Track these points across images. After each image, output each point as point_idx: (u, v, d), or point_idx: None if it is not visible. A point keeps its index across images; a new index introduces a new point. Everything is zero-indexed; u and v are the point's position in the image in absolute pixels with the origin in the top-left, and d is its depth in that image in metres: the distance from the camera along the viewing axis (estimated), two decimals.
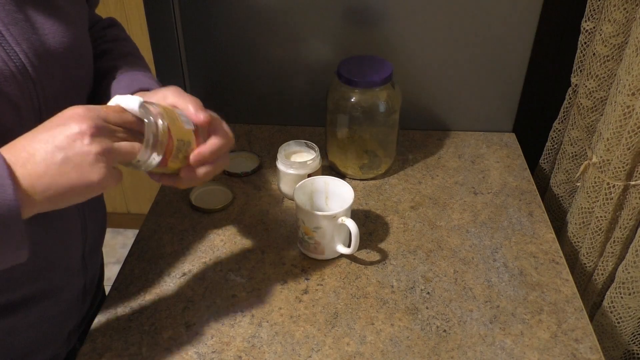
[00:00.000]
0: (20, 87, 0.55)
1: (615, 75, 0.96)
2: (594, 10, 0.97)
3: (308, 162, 0.93)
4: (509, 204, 0.97)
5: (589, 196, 0.99)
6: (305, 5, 1.01)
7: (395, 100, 0.96)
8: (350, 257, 0.87)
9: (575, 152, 1.09)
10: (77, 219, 0.70)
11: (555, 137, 1.16)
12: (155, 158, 0.56)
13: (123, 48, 0.79)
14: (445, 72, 1.08)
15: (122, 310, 0.79)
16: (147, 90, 0.68)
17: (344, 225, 0.82)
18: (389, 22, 1.02)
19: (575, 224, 1.05)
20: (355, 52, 1.03)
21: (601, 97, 1.00)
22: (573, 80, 1.07)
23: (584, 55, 1.03)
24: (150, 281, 0.83)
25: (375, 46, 1.05)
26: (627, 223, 0.92)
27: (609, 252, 0.96)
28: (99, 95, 0.71)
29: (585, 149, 1.06)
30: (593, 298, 1.03)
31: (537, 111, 1.25)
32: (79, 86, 0.66)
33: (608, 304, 0.96)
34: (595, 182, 0.97)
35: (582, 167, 1.02)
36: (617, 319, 0.95)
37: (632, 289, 0.91)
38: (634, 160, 0.89)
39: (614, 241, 0.95)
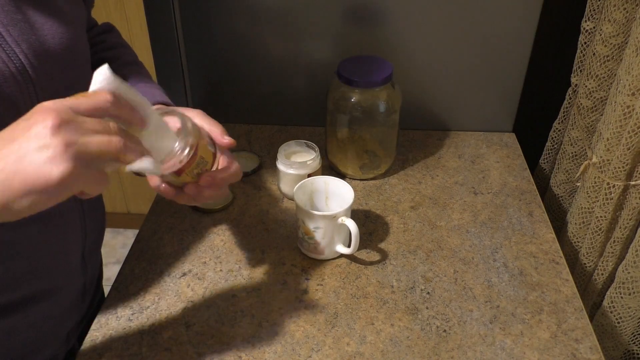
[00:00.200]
0: (20, 87, 0.56)
1: (615, 75, 0.96)
2: (594, 10, 0.97)
3: (308, 162, 0.93)
4: (509, 204, 0.97)
5: (589, 196, 0.99)
6: (305, 5, 1.01)
7: (395, 100, 0.96)
8: (350, 257, 0.87)
9: (575, 152, 1.09)
10: (77, 219, 0.70)
11: (555, 137, 1.16)
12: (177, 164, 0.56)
13: (126, 57, 0.80)
14: (445, 72, 1.08)
15: (122, 310, 0.79)
16: (165, 104, 0.71)
17: (344, 225, 0.82)
18: (389, 22, 1.02)
19: (575, 224, 1.05)
20: (355, 52, 1.03)
21: (601, 97, 1.00)
22: (573, 80, 1.07)
23: (584, 55, 1.03)
24: (150, 281, 0.83)
25: (375, 46, 1.05)
26: (627, 223, 0.92)
27: (609, 252, 0.96)
28: None
29: (585, 149, 1.06)
30: (593, 298, 1.03)
31: (537, 111, 1.25)
32: (78, 86, 0.67)
33: (608, 304, 0.96)
34: (595, 182, 0.97)
35: (582, 167, 1.02)
36: (617, 319, 0.95)
37: (632, 289, 0.91)
38: (634, 160, 0.89)
39: (614, 241, 0.95)
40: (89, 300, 0.82)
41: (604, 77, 0.98)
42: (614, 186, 0.93)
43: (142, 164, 0.50)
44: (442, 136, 1.14)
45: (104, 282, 0.91)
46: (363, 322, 0.77)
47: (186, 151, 0.56)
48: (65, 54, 0.61)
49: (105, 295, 0.82)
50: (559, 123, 1.14)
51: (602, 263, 0.98)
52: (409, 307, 0.79)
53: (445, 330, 0.76)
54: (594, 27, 0.99)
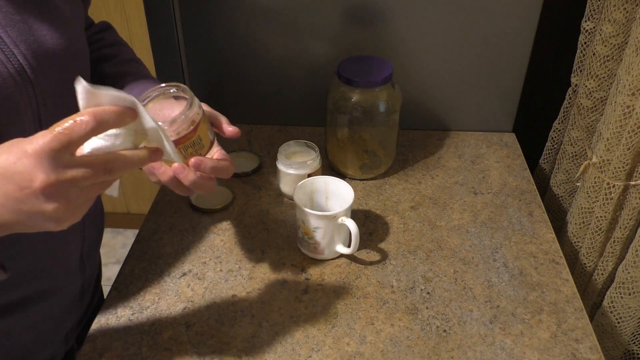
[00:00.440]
0: (18, 88, 0.56)
1: (615, 75, 0.96)
2: (594, 10, 0.97)
3: (308, 162, 0.93)
4: (509, 204, 0.97)
5: (589, 196, 0.99)
6: (305, 5, 1.01)
7: (395, 100, 0.96)
8: (350, 257, 0.87)
9: (575, 152, 1.09)
10: None
11: (555, 137, 1.16)
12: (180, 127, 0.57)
13: (125, 54, 0.80)
14: (445, 72, 1.08)
15: (122, 310, 0.79)
16: None
17: (344, 225, 0.82)
18: (389, 22, 1.02)
19: (575, 224, 1.05)
20: (355, 52, 1.03)
21: (601, 97, 1.00)
22: (573, 80, 1.07)
23: (584, 55, 1.03)
24: (150, 281, 0.83)
25: (375, 46, 1.05)
26: (627, 223, 0.92)
27: (609, 252, 0.96)
28: None
29: (585, 149, 1.06)
30: (593, 298, 1.03)
31: (537, 111, 1.25)
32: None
33: (608, 304, 0.96)
34: (595, 182, 0.97)
35: (582, 167, 1.02)
36: (617, 319, 0.95)
37: (632, 289, 0.91)
38: (634, 160, 0.89)
39: (614, 241, 0.95)
40: (87, 301, 0.82)
41: (604, 77, 0.98)
42: (614, 186, 0.93)
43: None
44: (442, 136, 1.14)
45: (104, 282, 0.91)
46: (363, 322, 0.77)
47: (185, 124, 0.56)
48: (64, 55, 0.61)
49: (105, 296, 0.82)
50: (559, 123, 1.14)
51: (602, 263, 0.98)
52: (409, 307, 0.79)
53: (445, 330, 0.76)
54: (594, 27, 0.99)
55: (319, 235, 0.83)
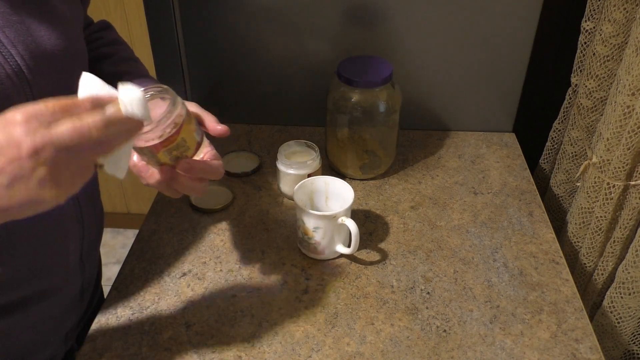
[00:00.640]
0: (16, 88, 0.55)
1: (615, 75, 0.96)
2: (594, 10, 0.97)
3: (308, 162, 0.93)
4: (509, 204, 0.97)
5: (589, 196, 0.99)
6: (305, 5, 1.01)
7: (395, 100, 0.96)
8: (350, 257, 0.87)
9: (575, 152, 1.09)
10: (75, 219, 0.70)
11: (555, 137, 1.16)
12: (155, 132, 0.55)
13: (123, 53, 0.80)
14: (445, 72, 1.08)
15: (122, 310, 0.79)
16: None
17: (344, 225, 0.82)
18: (389, 22, 1.02)
19: (575, 224, 1.05)
20: (355, 52, 1.03)
21: (601, 97, 1.00)
22: (573, 80, 1.07)
23: (584, 55, 1.03)
24: (150, 281, 0.83)
25: (375, 46, 1.05)
26: (627, 223, 0.92)
27: (609, 252, 0.96)
28: None
29: (585, 149, 1.06)
30: (593, 298, 1.03)
31: (537, 111, 1.25)
32: (75, 87, 0.67)
33: (608, 304, 0.96)
34: (595, 182, 0.97)
35: (582, 167, 1.02)
36: (617, 319, 0.95)
37: (632, 289, 0.91)
38: (634, 160, 0.89)
39: (614, 241, 0.95)
40: (87, 301, 0.82)
41: (604, 77, 0.98)
42: (614, 186, 0.93)
43: None
44: (442, 136, 1.14)
45: (104, 282, 0.91)
46: (363, 322, 0.77)
47: (167, 126, 0.55)
48: (62, 55, 0.61)
49: (105, 295, 0.82)
50: (559, 123, 1.14)
51: (602, 263, 0.98)
52: (409, 307, 0.79)
53: (445, 330, 0.76)
54: (594, 27, 0.99)
55: (319, 235, 0.83)
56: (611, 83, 0.98)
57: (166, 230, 0.92)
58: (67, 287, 0.73)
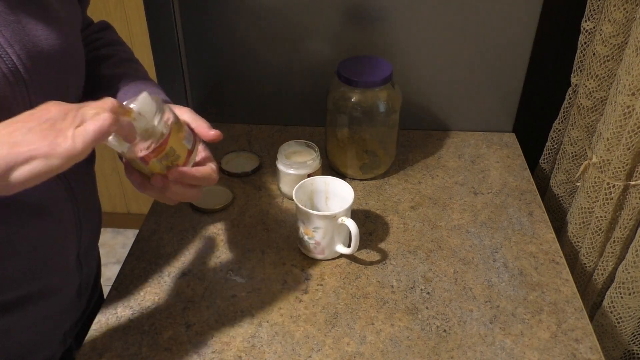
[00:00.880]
0: (12, 88, 0.55)
1: (615, 75, 0.96)
2: (594, 10, 0.97)
3: (308, 162, 0.93)
4: (509, 204, 0.97)
5: (589, 196, 0.99)
6: (305, 6, 1.01)
7: (395, 100, 0.96)
8: (350, 257, 0.87)
9: (575, 152, 1.09)
10: (72, 218, 0.70)
11: (555, 137, 1.16)
12: (138, 145, 0.56)
13: (123, 54, 0.80)
14: (445, 72, 1.08)
15: (122, 310, 0.79)
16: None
17: (344, 225, 0.82)
18: (389, 22, 1.02)
19: (575, 224, 1.05)
20: (355, 52, 1.03)
21: (601, 97, 1.00)
22: (573, 80, 1.07)
23: (584, 55, 1.03)
24: (150, 281, 0.83)
25: (375, 46, 1.05)
26: (627, 223, 0.92)
27: (609, 252, 0.96)
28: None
29: (585, 149, 1.06)
30: (593, 298, 1.03)
31: (537, 111, 1.25)
32: (71, 87, 0.67)
33: (608, 304, 0.96)
34: (595, 182, 0.97)
35: (582, 167, 1.02)
36: (617, 319, 0.95)
37: (632, 289, 0.91)
38: (634, 160, 0.89)
39: (614, 241, 0.95)
40: (85, 301, 0.82)
41: (604, 77, 0.98)
42: (614, 186, 0.93)
43: (110, 138, 0.52)
44: (442, 136, 1.14)
45: (104, 282, 0.91)
46: (363, 322, 0.77)
47: (153, 139, 0.55)
48: (59, 55, 0.61)
49: (105, 295, 0.82)
50: (559, 123, 1.14)
51: (602, 263, 0.98)
52: (409, 307, 0.79)
53: (445, 330, 0.76)
54: (594, 27, 0.99)
55: (319, 235, 0.83)
56: (611, 83, 0.98)
57: (166, 230, 0.92)
58: (65, 286, 0.73)
